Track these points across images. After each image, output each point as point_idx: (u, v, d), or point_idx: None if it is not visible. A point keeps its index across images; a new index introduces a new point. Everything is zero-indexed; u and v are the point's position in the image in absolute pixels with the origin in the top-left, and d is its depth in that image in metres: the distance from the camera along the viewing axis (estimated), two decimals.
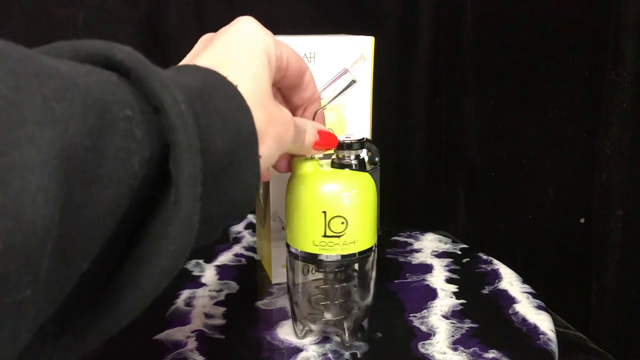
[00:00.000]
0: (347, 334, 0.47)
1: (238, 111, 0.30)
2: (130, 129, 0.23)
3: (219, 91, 0.29)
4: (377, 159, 0.46)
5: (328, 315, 0.48)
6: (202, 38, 0.38)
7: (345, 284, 0.47)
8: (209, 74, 0.30)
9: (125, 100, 0.23)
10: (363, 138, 0.45)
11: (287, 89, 0.41)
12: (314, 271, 0.47)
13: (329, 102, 0.44)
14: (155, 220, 0.25)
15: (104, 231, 0.23)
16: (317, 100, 0.43)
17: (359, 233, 0.44)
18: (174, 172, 0.24)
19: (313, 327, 0.49)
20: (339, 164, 0.45)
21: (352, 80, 0.44)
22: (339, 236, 0.43)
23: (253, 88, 0.32)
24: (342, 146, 0.45)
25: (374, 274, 0.47)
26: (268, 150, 0.33)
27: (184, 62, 0.34)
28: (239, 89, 0.31)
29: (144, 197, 0.25)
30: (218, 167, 0.28)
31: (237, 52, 0.34)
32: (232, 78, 0.31)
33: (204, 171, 0.25)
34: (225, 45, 0.34)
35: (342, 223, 0.43)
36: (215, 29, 0.37)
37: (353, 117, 0.57)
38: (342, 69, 0.45)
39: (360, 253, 0.45)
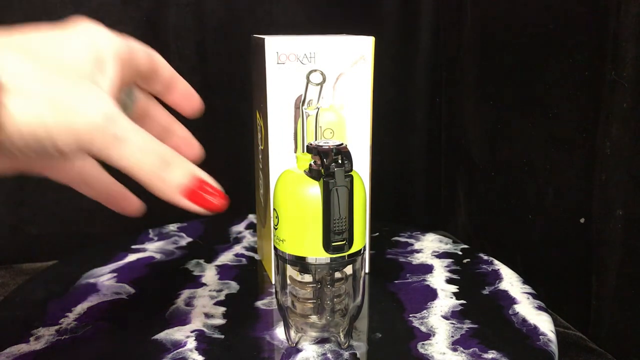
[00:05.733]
0: (341, 336, 0.47)
1: None
2: None
3: None
4: (350, 167, 0.42)
5: (320, 319, 0.47)
6: None
7: (335, 287, 0.47)
8: None
9: None
10: (341, 144, 0.43)
11: (144, 80, 0.38)
12: (303, 275, 0.47)
13: (312, 103, 0.44)
14: None
15: None
16: (179, 84, 0.39)
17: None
18: None
19: (306, 331, 0.48)
20: (309, 171, 0.44)
21: (322, 75, 0.44)
22: None
23: (42, 47, 0.29)
24: (314, 151, 0.43)
25: (364, 274, 0.47)
26: (26, 109, 0.27)
27: None
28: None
29: None
30: None
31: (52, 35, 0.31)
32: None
33: None
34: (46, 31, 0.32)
35: None
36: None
37: (353, 117, 0.57)
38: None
39: (350, 256, 0.45)
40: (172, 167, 0.32)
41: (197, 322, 0.52)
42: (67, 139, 0.28)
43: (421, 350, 0.48)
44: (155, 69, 0.37)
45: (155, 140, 0.32)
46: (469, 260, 0.66)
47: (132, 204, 0.41)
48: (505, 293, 0.58)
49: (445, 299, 0.57)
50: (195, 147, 0.42)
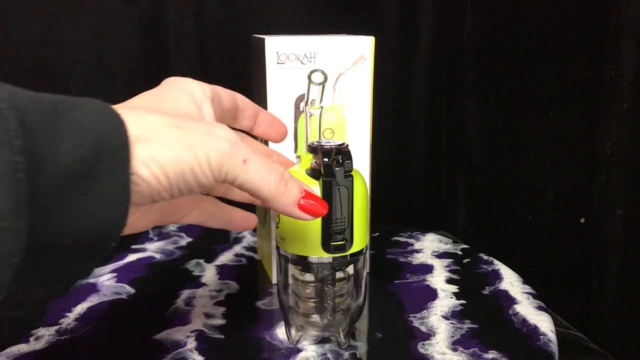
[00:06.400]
0: (342, 335, 0.47)
1: (102, 122, 0.28)
2: None
3: (83, 105, 0.28)
4: (350, 166, 0.43)
5: (321, 318, 0.47)
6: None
7: (337, 286, 0.47)
8: (84, 99, 0.29)
9: None
10: (342, 143, 0.43)
11: (233, 119, 0.42)
12: (304, 274, 0.47)
13: (315, 103, 0.44)
14: None
15: None
16: (262, 115, 0.43)
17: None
18: None
19: (307, 330, 0.48)
20: (310, 170, 0.44)
21: (324, 74, 0.44)
22: None
23: (151, 104, 0.34)
24: (315, 151, 0.43)
25: (365, 274, 0.47)
26: (165, 152, 0.30)
27: None
28: (140, 108, 0.32)
29: None
30: (66, 179, 0.26)
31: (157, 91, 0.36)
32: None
33: (41, 182, 0.25)
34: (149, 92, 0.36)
35: None
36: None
37: (353, 117, 0.57)
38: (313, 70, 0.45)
39: (351, 255, 0.45)
40: (289, 182, 0.35)
41: (197, 322, 0.52)
42: (204, 171, 0.31)
43: (421, 350, 0.48)
44: (239, 106, 0.41)
45: (268, 158, 0.35)
46: (469, 260, 0.66)
47: (251, 221, 0.45)
48: (505, 293, 0.58)
49: (446, 299, 0.57)
50: (290, 164, 0.46)
